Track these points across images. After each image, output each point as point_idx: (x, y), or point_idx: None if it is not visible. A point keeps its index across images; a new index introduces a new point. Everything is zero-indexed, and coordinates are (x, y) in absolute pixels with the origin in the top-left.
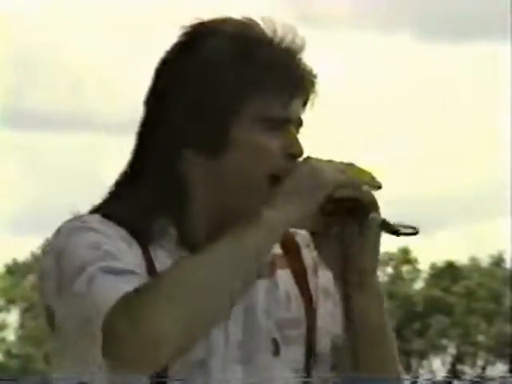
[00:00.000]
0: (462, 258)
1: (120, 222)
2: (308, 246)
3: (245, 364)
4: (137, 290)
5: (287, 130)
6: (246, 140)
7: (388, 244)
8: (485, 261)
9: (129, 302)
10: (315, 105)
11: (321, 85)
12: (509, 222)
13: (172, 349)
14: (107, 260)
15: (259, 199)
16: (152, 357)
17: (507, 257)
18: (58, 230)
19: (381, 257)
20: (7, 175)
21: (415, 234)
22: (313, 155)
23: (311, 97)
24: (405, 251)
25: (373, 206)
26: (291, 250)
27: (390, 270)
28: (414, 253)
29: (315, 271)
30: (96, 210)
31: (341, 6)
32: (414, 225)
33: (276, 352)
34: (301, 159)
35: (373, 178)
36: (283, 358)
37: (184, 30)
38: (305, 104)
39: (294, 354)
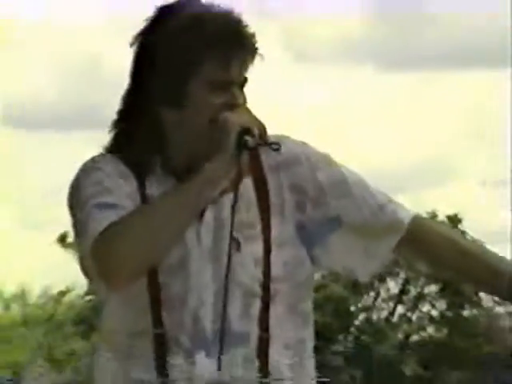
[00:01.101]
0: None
1: (122, 160)
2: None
3: (214, 263)
4: (114, 223)
5: (225, 91)
6: (197, 97)
7: None
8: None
9: (107, 230)
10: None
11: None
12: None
13: (132, 264)
14: (105, 195)
15: (206, 137)
16: (122, 269)
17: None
18: (79, 168)
19: None
20: None
21: (277, 149)
22: None
23: (252, 58)
24: None
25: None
26: (253, 162)
27: None
28: None
29: (278, 171)
30: (107, 149)
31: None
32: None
33: (238, 248)
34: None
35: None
36: (243, 253)
37: (156, 9)
38: (247, 65)
39: (253, 248)
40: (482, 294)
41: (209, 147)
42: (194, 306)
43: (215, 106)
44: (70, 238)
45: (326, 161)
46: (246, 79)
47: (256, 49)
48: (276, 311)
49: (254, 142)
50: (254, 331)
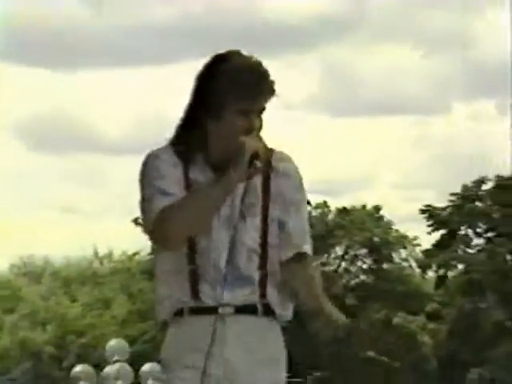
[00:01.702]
0: None
1: (175, 152)
2: (282, 160)
3: (227, 229)
4: (166, 207)
5: (250, 116)
6: (228, 117)
7: None
8: None
9: (161, 213)
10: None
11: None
12: None
13: (177, 236)
14: (160, 181)
15: (233, 146)
16: (169, 241)
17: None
18: (146, 154)
19: None
20: None
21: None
22: None
23: (271, 96)
24: None
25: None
26: (266, 165)
27: None
28: None
29: (278, 177)
30: (170, 141)
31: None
32: None
33: (243, 219)
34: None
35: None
36: (248, 223)
37: (212, 56)
38: (266, 101)
39: (255, 220)
40: (395, 256)
41: (232, 156)
42: (214, 256)
43: (239, 126)
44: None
45: (300, 183)
46: (264, 108)
47: (274, 90)
48: (269, 262)
49: (259, 164)
50: (256, 274)
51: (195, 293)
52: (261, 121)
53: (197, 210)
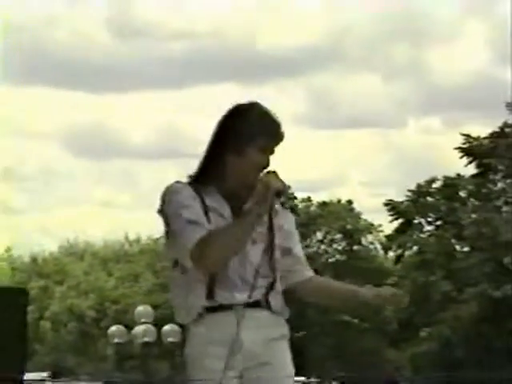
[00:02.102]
0: None
1: (191, 185)
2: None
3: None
4: (204, 237)
5: (266, 154)
6: (250, 153)
7: None
8: None
9: (200, 242)
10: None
11: None
12: None
13: (219, 261)
14: (187, 212)
15: (252, 180)
16: (211, 265)
17: None
18: (166, 188)
19: None
20: None
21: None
22: None
23: (281, 141)
24: None
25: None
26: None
27: None
28: None
29: (276, 215)
30: (190, 178)
31: None
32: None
33: (254, 244)
34: (266, 169)
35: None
36: (256, 247)
37: (233, 106)
38: (277, 144)
39: (262, 245)
40: (363, 240)
41: (248, 188)
42: (231, 267)
43: (259, 161)
44: None
45: (293, 221)
46: (273, 152)
47: (283, 136)
48: (273, 278)
49: (280, 200)
50: (260, 284)
51: (211, 295)
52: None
53: (234, 240)
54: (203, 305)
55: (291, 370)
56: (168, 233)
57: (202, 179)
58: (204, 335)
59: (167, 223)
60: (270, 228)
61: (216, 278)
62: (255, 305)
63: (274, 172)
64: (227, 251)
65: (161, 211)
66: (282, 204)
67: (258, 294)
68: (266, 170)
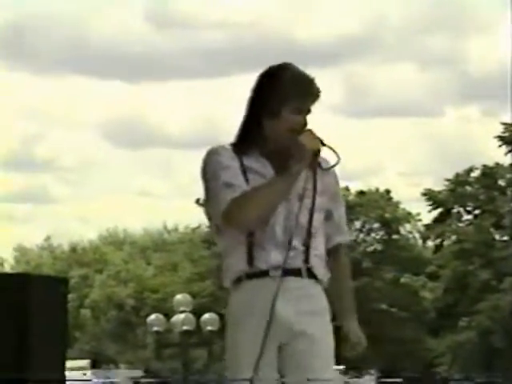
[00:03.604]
0: None
1: (232, 146)
2: (324, 159)
3: (283, 207)
4: (237, 198)
5: (302, 114)
6: (284, 115)
7: None
8: None
9: (233, 202)
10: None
11: None
12: None
13: (253, 220)
14: (225, 174)
15: (288, 139)
16: (245, 224)
17: None
18: (207, 150)
19: None
20: None
21: (327, 169)
22: None
23: (317, 99)
24: None
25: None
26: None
27: None
28: None
29: (322, 176)
30: (231, 144)
31: None
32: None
33: (300, 201)
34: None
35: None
36: (303, 205)
37: (270, 66)
38: (313, 102)
39: (307, 203)
40: (402, 229)
41: (287, 149)
42: (270, 227)
43: (294, 122)
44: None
45: (338, 182)
46: (310, 110)
47: (320, 95)
48: (313, 237)
49: (318, 161)
50: (301, 244)
51: (251, 260)
52: (306, 120)
53: (267, 200)
54: (242, 269)
55: (331, 342)
56: (207, 193)
57: (242, 144)
58: (242, 302)
59: (206, 184)
60: (314, 188)
61: (257, 237)
62: (295, 273)
63: (310, 130)
64: (261, 210)
65: (201, 175)
66: (319, 164)
67: (297, 260)
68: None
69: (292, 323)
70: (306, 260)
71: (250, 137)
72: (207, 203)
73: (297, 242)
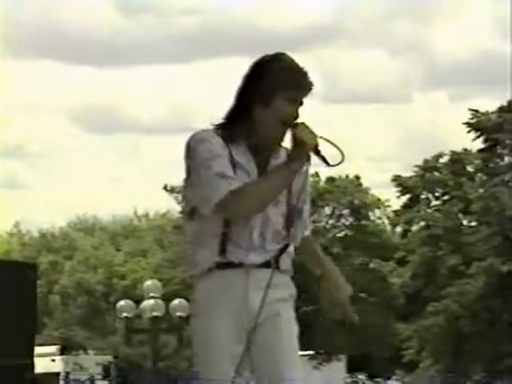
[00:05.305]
0: None
1: (221, 135)
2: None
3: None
4: (235, 191)
5: (294, 105)
6: (277, 103)
7: None
8: None
9: (231, 196)
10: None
11: None
12: None
13: (249, 213)
14: (216, 163)
15: (280, 133)
16: (240, 216)
17: None
18: (194, 135)
19: None
20: None
21: (328, 165)
22: None
23: (310, 91)
24: None
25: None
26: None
27: None
28: None
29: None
30: (215, 126)
31: None
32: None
33: (276, 204)
34: (297, 121)
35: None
36: (277, 208)
37: (262, 56)
38: (306, 95)
39: (282, 207)
40: (371, 215)
41: (280, 144)
42: (250, 226)
43: (285, 112)
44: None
45: (308, 178)
46: (302, 103)
47: (312, 87)
48: (289, 239)
49: (322, 156)
50: (275, 248)
51: (223, 252)
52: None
53: (265, 196)
54: (214, 260)
55: (295, 326)
56: (190, 180)
57: (229, 131)
58: (211, 291)
59: (192, 172)
60: (289, 189)
61: (230, 235)
62: (264, 265)
63: (304, 123)
64: (259, 206)
65: (186, 158)
66: (324, 159)
67: (269, 256)
68: (295, 122)
69: (261, 311)
70: (277, 260)
71: (238, 123)
72: (191, 188)
73: (271, 247)
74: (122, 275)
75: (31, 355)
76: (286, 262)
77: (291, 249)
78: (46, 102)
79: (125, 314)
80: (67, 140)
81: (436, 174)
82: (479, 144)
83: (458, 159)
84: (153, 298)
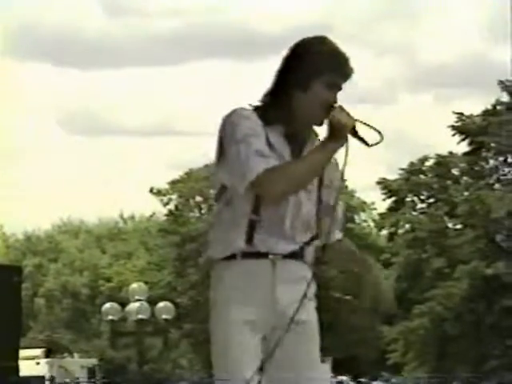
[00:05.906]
0: None
1: (259, 116)
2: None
3: (296, 196)
4: (271, 170)
5: (333, 91)
6: (315, 88)
7: None
8: None
9: (267, 174)
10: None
11: None
12: None
13: (283, 195)
14: (255, 141)
15: (318, 118)
16: (279, 195)
17: None
18: (233, 112)
19: None
20: None
21: (366, 144)
22: None
23: (350, 77)
24: None
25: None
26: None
27: None
28: None
29: (327, 168)
30: (253, 107)
31: None
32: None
33: (308, 193)
34: (336, 105)
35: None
36: (309, 198)
37: (302, 39)
38: (345, 80)
39: (313, 198)
40: (357, 217)
41: (310, 126)
42: (281, 213)
43: (325, 97)
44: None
45: (343, 178)
46: (341, 88)
47: (353, 73)
48: (317, 231)
49: (360, 137)
50: (304, 238)
51: (250, 239)
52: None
53: (301, 177)
54: (239, 247)
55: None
56: (223, 156)
57: (266, 114)
58: (235, 281)
59: (229, 147)
60: (320, 181)
61: (264, 219)
62: (292, 256)
63: (341, 106)
64: (294, 186)
65: (224, 133)
66: (363, 140)
67: (297, 247)
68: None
69: (287, 310)
70: (302, 248)
71: (276, 106)
72: (225, 165)
73: (300, 237)
74: (107, 278)
75: (16, 358)
76: (311, 254)
77: (317, 242)
78: (32, 103)
79: (110, 317)
80: (53, 142)
81: (421, 176)
82: (464, 147)
83: (443, 162)
84: (138, 300)
